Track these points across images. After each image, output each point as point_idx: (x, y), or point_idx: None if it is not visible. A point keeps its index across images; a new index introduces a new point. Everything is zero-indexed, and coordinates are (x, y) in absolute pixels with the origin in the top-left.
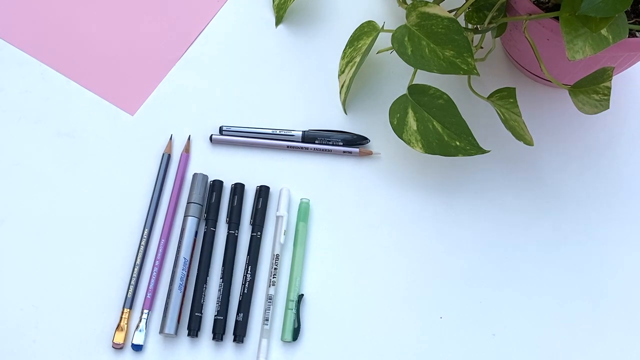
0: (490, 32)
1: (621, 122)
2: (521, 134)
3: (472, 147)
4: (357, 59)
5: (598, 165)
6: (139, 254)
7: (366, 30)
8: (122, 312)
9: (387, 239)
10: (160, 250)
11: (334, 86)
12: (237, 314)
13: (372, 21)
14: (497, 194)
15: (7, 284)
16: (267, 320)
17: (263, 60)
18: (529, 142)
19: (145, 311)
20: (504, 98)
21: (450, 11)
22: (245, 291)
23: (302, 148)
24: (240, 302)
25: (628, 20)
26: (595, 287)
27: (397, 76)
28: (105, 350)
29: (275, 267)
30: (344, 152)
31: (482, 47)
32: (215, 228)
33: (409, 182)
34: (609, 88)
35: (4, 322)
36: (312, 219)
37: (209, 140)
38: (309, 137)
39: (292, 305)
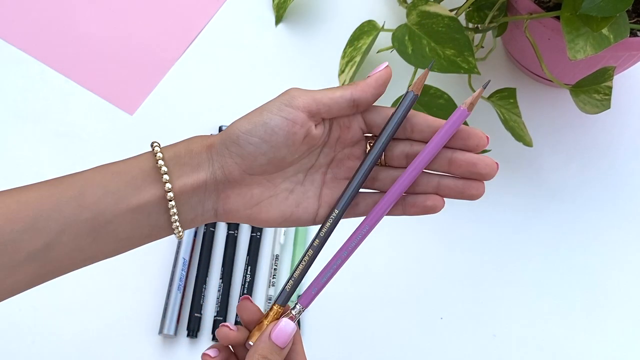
0: (491, 31)
1: (622, 121)
2: (521, 135)
3: None
4: (357, 59)
5: (599, 165)
6: None
7: (366, 30)
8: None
9: (387, 238)
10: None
11: (334, 86)
12: (237, 314)
13: (373, 20)
14: (497, 193)
15: None
16: None
17: (263, 60)
18: (528, 143)
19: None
20: (505, 98)
21: (451, 10)
22: (245, 292)
23: None
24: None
25: (629, 20)
26: (595, 287)
27: (397, 76)
28: (105, 349)
29: (275, 267)
30: None
31: (482, 47)
32: (214, 228)
33: None
34: (610, 88)
35: (3, 323)
36: None
37: None
38: None
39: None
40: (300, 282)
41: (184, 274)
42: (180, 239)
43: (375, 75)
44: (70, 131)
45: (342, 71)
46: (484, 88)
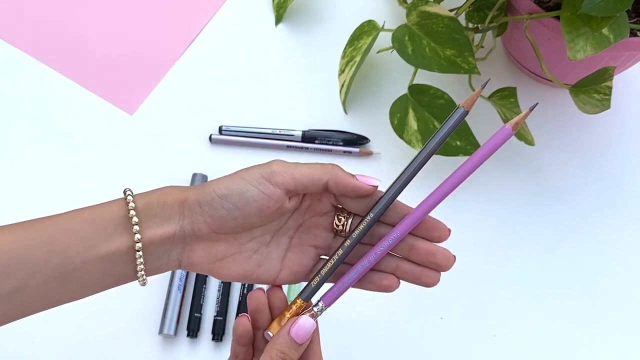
0: (491, 31)
1: (622, 121)
2: (522, 134)
3: (472, 147)
4: (358, 59)
5: (599, 164)
6: None
7: (366, 30)
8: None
9: None
10: None
11: (334, 86)
12: (237, 314)
13: (373, 20)
14: (497, 193)
15: None
16: None
17: (263, 60)
18: (530, 142)
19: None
20: (505, 98)
21: (450, 10)
22: (245, 291)
23: (302, 148)
24: (240, 302)
25: (629, 20)
26: (595, 287)
27: (397, 76)
28: (105, 349)
29: None
30: (344, 152)
31: (482, 47)
32: None
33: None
34: (610, 88)
35: None
36: None
37: (208, 140)
38: (309, 137)
39: None
40: (327, 279)
41: (184, 273)
42: (143, 285)
43: (357, 184)
44: (70, 131)
45: (342, 71)
46: (531, 110)
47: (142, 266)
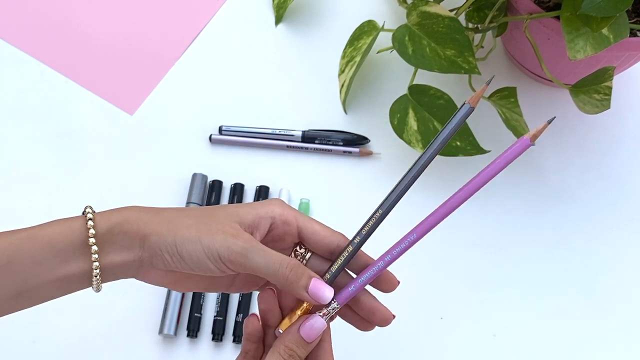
0: (491, 31)
1: (622, 121)
2: (522, 134)
3: (472, 147)
4: (357, 59)
5: (599, 165)
6: None
7: (366, 30)
8: None
9: (387, 239)
10: None
11: (334, 86)
12: (237, 314)
13: (373, 20)
14: (497, 194)
15: None
16: None
17: (263, 60)
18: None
19: None
20: (505, 98)
21: (451, 10)
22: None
23: (302, 148)
24: (240, 302)
25: (629, 20)
26: (596, 287)
27: (397, 76)
28: (105, 349)
29: None
30: (344, 152)
31: (482, 47)
32: None
33: None
34: (610, 88)
35: (3, 323)
36: None
37: (208, 140)
38: (309, 137)
39: None
40: (337, 276)
41: None
42: (98, 292)
43: (304, 298)
44: (70, 131)
45: (342, 71)
46: (549, 123)
47: (99, 284)
